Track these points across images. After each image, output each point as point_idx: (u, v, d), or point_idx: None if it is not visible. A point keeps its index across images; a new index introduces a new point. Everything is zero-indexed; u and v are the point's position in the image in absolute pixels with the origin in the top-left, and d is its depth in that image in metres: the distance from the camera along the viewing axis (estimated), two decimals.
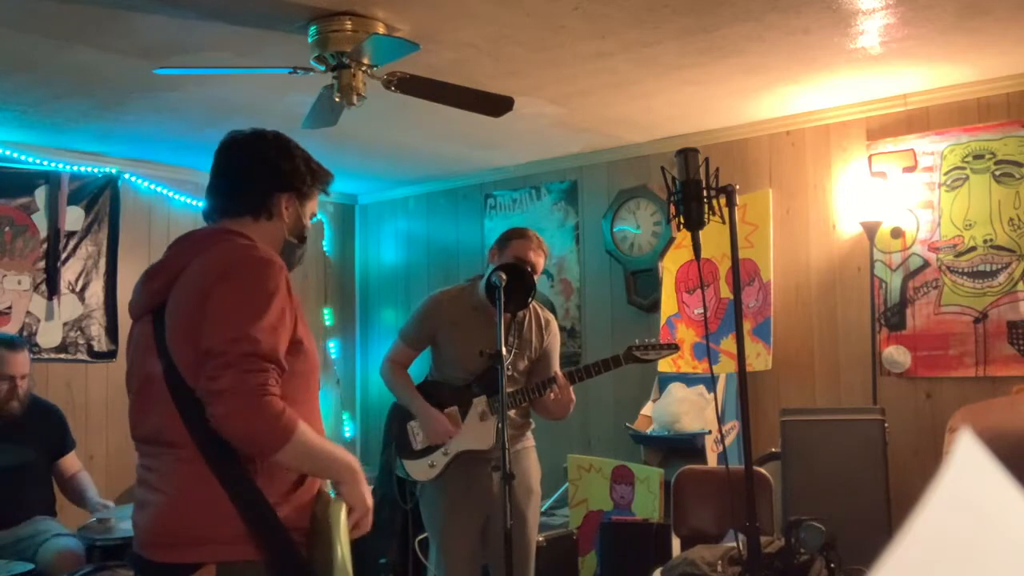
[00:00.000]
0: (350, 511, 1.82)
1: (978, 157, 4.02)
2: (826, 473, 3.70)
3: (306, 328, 1.86)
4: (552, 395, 3.09)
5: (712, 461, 4.21)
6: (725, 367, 4.32)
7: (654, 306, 4.90)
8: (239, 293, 1.73)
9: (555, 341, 3.32)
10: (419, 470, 3.22)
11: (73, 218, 5.03)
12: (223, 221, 1.94)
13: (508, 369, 3.08)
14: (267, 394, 1.65)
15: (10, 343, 3.77)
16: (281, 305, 1.74)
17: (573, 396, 3.14)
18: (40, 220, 4.92)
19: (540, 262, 3.18)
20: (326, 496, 1.84)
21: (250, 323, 1.68)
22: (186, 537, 1.70)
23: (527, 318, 3.24)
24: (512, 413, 3.13)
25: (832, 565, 2.92)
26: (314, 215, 2.07)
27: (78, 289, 5.05)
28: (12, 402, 3.67)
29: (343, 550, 1.75)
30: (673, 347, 3.24)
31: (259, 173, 1.95)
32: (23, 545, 3.53)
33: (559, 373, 3.11)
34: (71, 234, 5.03)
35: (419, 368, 3.36)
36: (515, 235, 3.20)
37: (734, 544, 3.12)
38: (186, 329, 1.74)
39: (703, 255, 2.53)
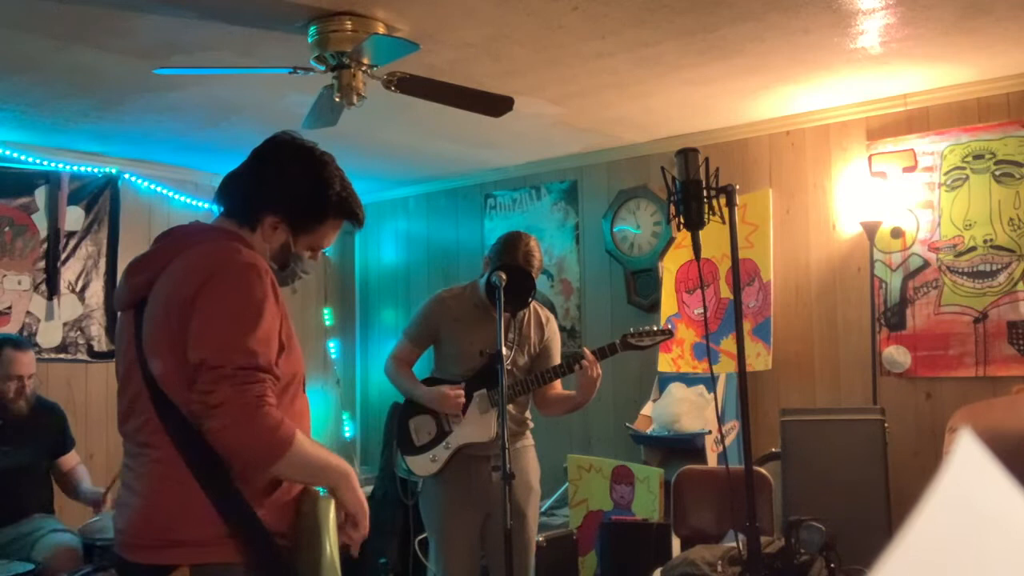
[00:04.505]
0: (347, 515, 1.79)
1: (978, 157, 4.02)
2: (826, 473, 3.70)
3: (290, 329, 1.80)
4: (582, 369, 3.04)
5: (712, 461, 4.21)
6: (725, 367, 4.31)
7: (654, 306, 4.91)
8: (228, 301, 1.67)
9: (555, 337, 3.35)
10: (421, 465, 3.23)
11: (73, 218, 5.04)
12: (220, 216, 1.90)
13: (508, 365, 3.10)
14: (264, 405, 1.62)
15: (17, 343, 3.79)
16: (271, 312, 1.69)
17: (600, 371, 3.09)
18: (40, 220, 4.92)
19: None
20: (314, 493, 1.80)
21: (244, 334, 1.63)
22: (160, 539, 1.67)
23: (526, 316, 3.27)
24: (512, 408, 3.14)
25: (832, 565, 2.92)
26: (320, 249, 1.94)
27: (78, 289, 5.05)
28: (19, 401, 3.70)
29: (331, 548, 1.73)
30: (667, 333, 3.25)
31: (261, 183, 1.86)
32: (20, 543, 3.53)
33: (587, 349, 3.09)
34: (71, 234, 5.03)
35: (422, 374, 3.37)
36: (507, 260, 3.05)
37: (734, 544, 3.12)
38: (165, 334, 1.69)
39: (703, 255, 2.53)
